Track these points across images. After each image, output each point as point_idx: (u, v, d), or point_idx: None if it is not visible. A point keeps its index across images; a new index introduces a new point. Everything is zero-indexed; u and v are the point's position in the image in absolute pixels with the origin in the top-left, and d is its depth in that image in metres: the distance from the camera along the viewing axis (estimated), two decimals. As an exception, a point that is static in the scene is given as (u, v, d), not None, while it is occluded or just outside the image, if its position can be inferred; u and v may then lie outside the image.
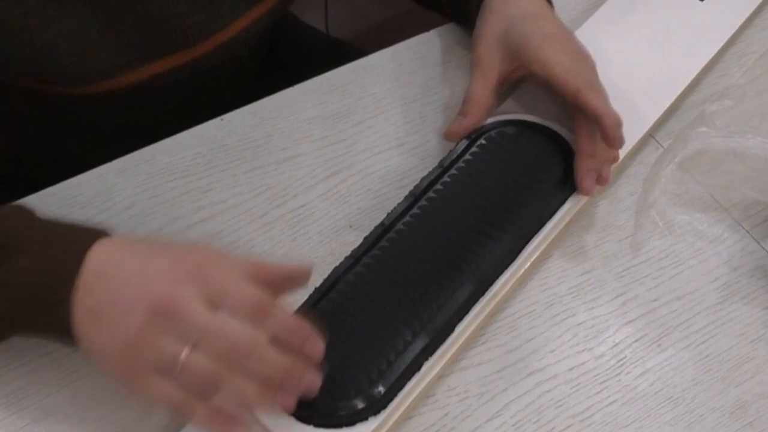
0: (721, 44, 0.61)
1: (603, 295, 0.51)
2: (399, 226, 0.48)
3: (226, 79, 0.59)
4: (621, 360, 0.49)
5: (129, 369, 0.38)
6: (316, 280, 0.45)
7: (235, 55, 0.56)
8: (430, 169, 0.51)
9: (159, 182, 0.53)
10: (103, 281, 0.38)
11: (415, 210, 0.48)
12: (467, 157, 0.51)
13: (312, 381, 0.39)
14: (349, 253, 0.47)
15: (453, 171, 0.50)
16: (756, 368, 0.49)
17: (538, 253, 0.49)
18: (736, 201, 0.55)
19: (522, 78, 0.55)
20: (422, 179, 0.51)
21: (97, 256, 0.39)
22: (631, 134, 0.55)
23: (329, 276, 0.46)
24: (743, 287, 0.52)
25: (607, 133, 0.49)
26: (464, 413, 0.46)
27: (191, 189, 0.53)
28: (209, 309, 0.37)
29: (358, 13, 1.22)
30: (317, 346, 0.39)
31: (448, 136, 0.52)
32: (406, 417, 0.45)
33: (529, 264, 0.49)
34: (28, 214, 0.42)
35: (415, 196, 0.49)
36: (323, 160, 0.55)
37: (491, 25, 0.53)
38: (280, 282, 0.40)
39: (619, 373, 0.48)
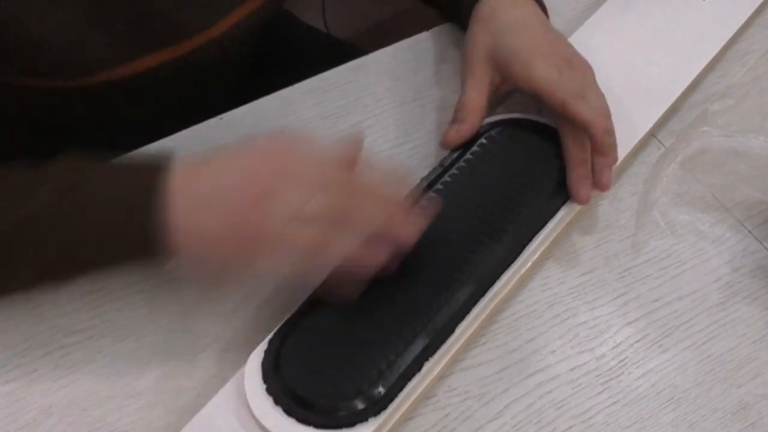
0: (722, 43, 0.61)
1: (604, 296, 0.51)
2: (399, 225, 0.47)
3: (218, 75, 0.59)
4: (622, 360, 0.48)
5: (259, 234, 0.39)
6: (316, 281, 0.45)
7: (227, 51, 0.56)
8: (431, 168, 0.51)
9: (158, 182, 0.52)
10: (200, 176, 0.40)
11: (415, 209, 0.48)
12: (468, 156, 0.51)
13: (416, 223, 0.43)
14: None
15: (453, 170, 0.50)
16: (758, 369, 0.49)
17: (539, 253, 0.49)
18: (738, 201, 0.55)
19: (512, 91, 0.55)
20: (422, 179, 0.50)
21: (178, 164, 0.40)
22: (633, 134, 0.55)
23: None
24: (745, 287, 0.52)
25: (596, 141, 0.49)
26: (465, 414, 0.46)
27: (190, 189, 0.52)
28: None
29: (357, 12, 1.22)
30: (409, 228, 0.43)
31: (445, 144, 0.52)
32: (407, 418, 0.45)
33: (529, 264, 0.48)
34: (83, 160, 0.42)
35: (415, 197, 0.49)
36: (323, 160, 0.54)
37: (479, 37, 0.53)
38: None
39: (621, 374, 0.48)
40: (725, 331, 0.50)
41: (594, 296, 0.51)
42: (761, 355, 0.49)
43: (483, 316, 0.46)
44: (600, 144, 0.49)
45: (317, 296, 0.45)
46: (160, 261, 0.40)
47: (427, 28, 0.62)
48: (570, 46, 0.53)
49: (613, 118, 0.51)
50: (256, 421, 0.41)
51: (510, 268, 0.47)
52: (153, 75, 0.53)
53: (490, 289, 0.46)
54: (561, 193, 0.50)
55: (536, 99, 0.50)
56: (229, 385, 0.43)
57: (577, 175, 0.50)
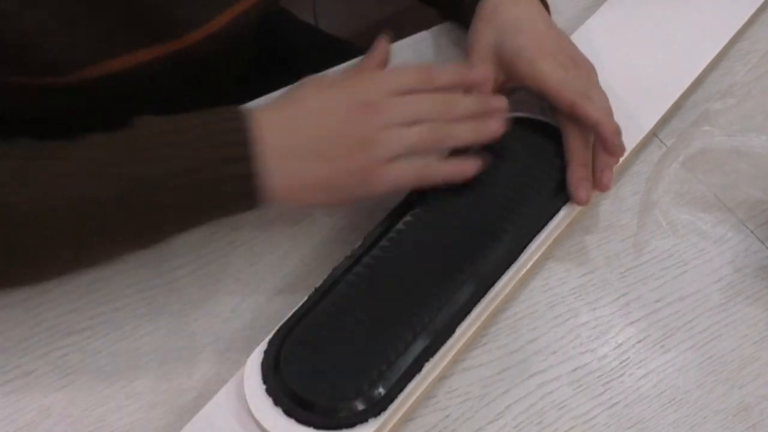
0: (724, 42, 0.60)
1: (605, 296, 0.50)
2: (400, 225, 0.47)
3: (215, 72, 0.59)
4: (624, 361, 0.48)
5: (369, 172, 0.43)
6: (316, 281, 0.45)
7: (224, 46, 0.56)
8: (431, 168, 0.51)
9: (157, 181, 0.52)
10: (294, 130, 0.43)
11: (416, 209, 0.48)
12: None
13: (500, 100, 0.48)
14: (349, 252, 0.47)
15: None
16: (760, 369, 0.48)
17: (540, 253, 0.49)
18: (740, 200, 0.55)
19: (516, 88, 0.54)
20: (423, 178, 0.50)
21: (263, 122, 0.42)
22: (634, 133, 0.55)
23: (329, 276, 0.45)
24: (747, 288, 0.51)
25: (607, 141, 0.48)
26: (465, 415, 0.46)
27: (190, 188, 0.52)
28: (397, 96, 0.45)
29: (357, 11, 1.22)
30: (479, 71, 0.49)
31: None
32: (407, 419, 0.45)
33: (530, 264, 0.48)
34: (156, 120, 0.43)
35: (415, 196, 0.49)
36: (323, 159, 0.54)
37: (482, 35, 0.53)
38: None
39: (622, 375, 0.48)
40: (727, 331, 0.50)
41: (595, 296, 0.50)
42: (763, 355, 0.49)
43: (484, 317, 0.46)
44: (611, 144, 0.48)
45: (317, 296, 0.45)
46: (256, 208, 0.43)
47: (426, 27, 0.61)
48: (573, 44, 0.53)
49: (615, 117, 0.51)
50: (256, 421, 0.41)
51: (511, 268, 0.47)
52: (149, 69, 0.53)
53: (491, 289, 0.46)
54: (562, 193, 0.50)
55: (543, 97, 0.50)
56: (229, 386, 0.43)
57: (578, 176, 0.49)
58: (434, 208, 0.48)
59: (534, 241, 0.48)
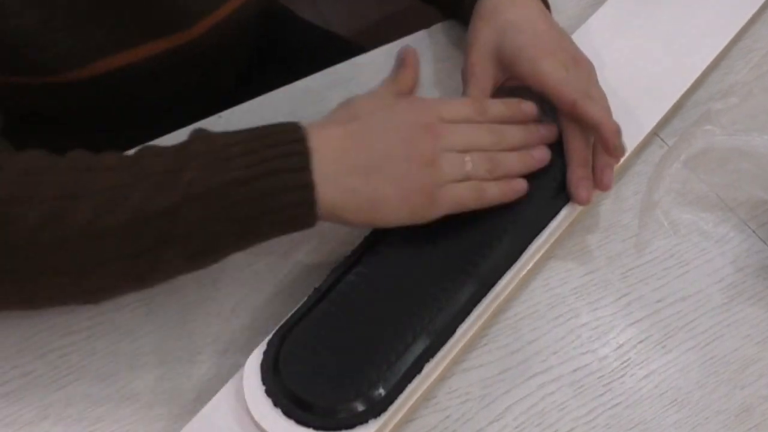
0: (726, 41, 0.60)
1: (607, 296, 0.50)
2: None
3: (218, 67, 0.59)
4: (625, 362, 0.48)
5: (428, 193, 0.43)
6: (316, 281, 0.45)
7: (228, 37, 0.56)
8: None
9: (156, 181, 0.52)
10: (351, 146, 0.42)
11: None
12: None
13: (549, 129, 0.49)
14: (349, 253, 0.46)
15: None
16: (762, 370, 0.48)
17: (541, 254, 0.48)
18: (742, 200, 0.54)
19: (516, 87, 0.54)
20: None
21: (319, 136, 0.42)
22: (636, 132, 0.54)
23: (329, 276, 0.45)
24: (749, 288, 0.51)
25: (607, 142, 0.48)
26: (466, 416, 0.45)
27: (189, 187, 0.52)
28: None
29: (357, 10, 1.22)
30: (529, 104, 0.49)
31: None
32: (407, 420, 0.44)
33: (531, 264, 0.48)
34: (214, 134, 0.42)
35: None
36: (323, 159, 0.54)
37: (482, 35, 0.52)
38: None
39: (623, 375, 0.47)
40: (729, 331, 0.49)
41: (596, 297, 0.50)
42: (765, 356, 0.49)
43: (484, 317, 0.46)
44: (611, 145, 0.48)
45: (317, 296, 0.44)
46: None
47: (427, 26, 0.61)
48: (573, 43, 0.53)
49: (616, 117, 0.50)
50: (255, 422, 0.41)
51: (512, 268, 0.47)
52: (157, 62, 0.53)
53: (492, 289, 0.46)
54: (563, 193, 0.50)
55: (544, 97, 0.50)
56: (228, 387, 0.43)
57: (578, 176, 0.49)
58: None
59: (535, 241, 0.48)
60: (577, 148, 0.49)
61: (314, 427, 0.41)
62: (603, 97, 0.51)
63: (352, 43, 0.76)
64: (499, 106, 0.48)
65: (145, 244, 0.39)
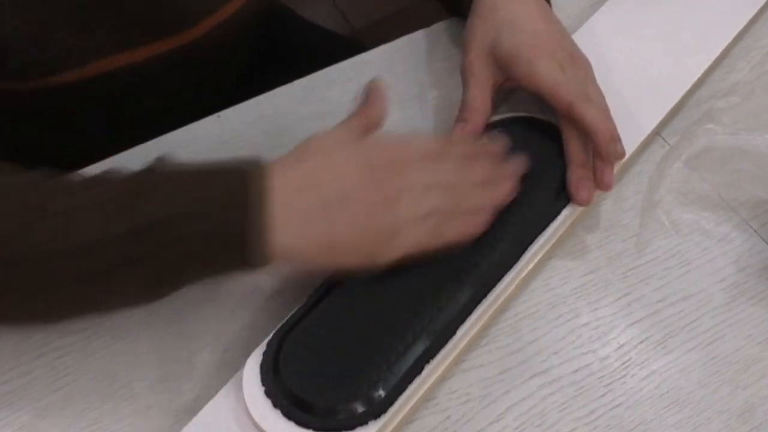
0: (728, 40, 0.60)
1: (607, 296, 0.50)
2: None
3: (219, 67, 0.59)
4: (626, 362, 0.48)
5: (387, 234, 0.41)
6: (316, 282, 0.45)
7: (231, 37, 0.56)
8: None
9: (155, 180, 0.52)
10: (309, 186, 0.41)
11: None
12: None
13: (516, 163, 0.47)
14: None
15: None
16: (764, 370, 0.48)
17: (541, 254, 0.48)
18: (743, 200, 0.54)
19: (516, 87, 0.54)
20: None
21: (276, 175, 0.40)
22: (637, 132, 0.54)
23: (329, 276, 0.45)
24: (751, 288, 0.51)
25: (600, 148, 0.48)
26: (466, 416, 0.45)
27: (188, 187, 0.52)
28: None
29: (359, 8, 1.22)
30: (496, 144, 0.47)
31: None
32: (407, 420, 0.44)
33: (532, 265, 0.48)
34: (177, 164, 0.41)
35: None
36: (322, 158, 0.54)
37: (479, 33, 0.52)
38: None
39: (624, 376, 0.47)
40: (731, 332, 0.49)
41: (597, 297, 0.50)
42: (767, 356, 0.48)
43: (485, 318, 0.46)
44: (604, 152, 0.48)
45: (317, 297, 0.44)
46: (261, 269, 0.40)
47: (427, 24, 0.61)
48: (572, 40, 0.53)
49: (618, 116, 0.50)
50: (255, 423, 0.41)
51: (512, 268, 0.46)
52: (159, 63, 0.53)
53: (492, 290, 0.46)
54: (564, 193, 0.49)
55: (541, 98, 0.50)
56: (227, 388, 0.43)
57: (578, 176, 0.49)
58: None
59: (536, 241, 0.47)
60: (576, 148, 0.49)
61: (314, 428, 0.40)
62: (600, 96, 0.50)
63: (352, 41, 0.76)
64: (466, 145, 0.47)
65: (98, 269, 0.38)
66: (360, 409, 0.41)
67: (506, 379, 0.46)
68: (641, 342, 0.49)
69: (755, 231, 0.53)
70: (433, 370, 0.43)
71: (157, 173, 0.40)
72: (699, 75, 0.58)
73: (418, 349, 0.43)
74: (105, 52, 0.50)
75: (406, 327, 0.43)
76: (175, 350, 0.46)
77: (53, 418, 0.44)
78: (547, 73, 0.48)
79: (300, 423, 0.40)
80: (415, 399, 0.43)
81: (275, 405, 0.41)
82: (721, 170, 0.55)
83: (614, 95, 0.51)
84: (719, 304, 0.50)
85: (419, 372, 0.43)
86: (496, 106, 0.54)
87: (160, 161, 0.41)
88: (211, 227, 0.38)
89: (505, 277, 0.46)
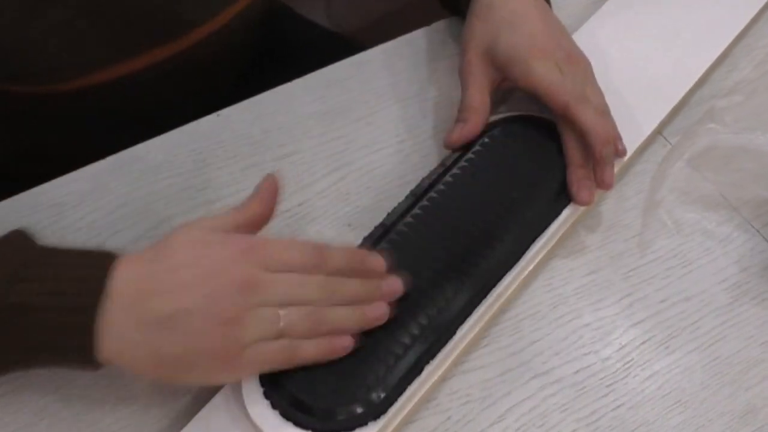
0: (731, 39, 0.60)
1: (609, 296, 0.50)
2: (400, 226, 0.46)
3: (218, 70, 0.58)
4: (628, 363, 0.47)
5: (226, 356, 0.38)
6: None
7: (225, 45, 0.56)
8: (432, 167, 0.50)
9: (154, 179, 0.52)
10: (150, 293, 0.38)
11: (416, 210, 0.47)
12: (470, 155, 0.50)
13: (391, 284, 0.42)
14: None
15: (455, 170, 0.49)
16: (766, 371, 0.48)
17: (543, 254, 0.48)
18: (746, 199, 0.54)
19: (514, 88, 0.53)
20: (424, 178, 0.49)
21: (122, 274, 0.38)
22: (639, 132, 0.54)
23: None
24: (753, 288, 0.51)
25: (595, 150, 0.47)
26: (466, 417, 0.45)
27: (187, 186, 0.51)
28: (277, 273, 0.39)
29: (358, 8, 1.21)
30: (377, 259, 0.42)
31: (449, 145, 0.51)
32: (407, 421, 0.44)
33: (533, 265, 0.47)
34: (30, 242, 0.40)
35: (416, 196, 0.48)
36: (322, 157, 0.53)
37: (478, 33, 0.51)
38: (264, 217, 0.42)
39: (626, 376, 0.47)
40: (733, 332, 0.49)
41: (599, 297, 0.50)
42: (770, 357, 0.48)
43: (485, 318, 0.45)
44: (598, 154, 0.47)
45: None
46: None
47: (428, 23, 0.61)
48: (570, 38, 0.52)
49: (619, 116, 0.50)
50: (254, 424, 0.41)
51: (513, 268, 0.46)
52: (152, 72, 0.52)
53: (493, 290, 0.45)
54: (565, 193, 0.49)
55: (537, 99, 0.49)
56: (226, 388, 0.42)
57: (578, 176, 0.48)
58: (435, 209, 0.47)
59: (537, 241, 0.47)
60: (575, 149, 0.49)
61: (313, 430, 0.40)
62: (600, 96, 0.50)
63: (352, 40, 0.76)
64: (341, 257, 0.41)
65: None
66: (359, 409, 0.41)
67: (507, 380, 0.46)
68: (643, 342, 0.48)
69: (757, 231, 0.53)
70: (433, 371, 0.43)
71: (6, 249, 0.38)
72: (701, 74, 0.58)
73: (418, 349, 0.43)
74: (99, 64, 0.50)
75: (406, 327, 0.43)
76: (173, 351, 0.46)
77: (52, 418, 0.43)
78: (543, 74, 0.48)
79: (299, 424, 0.40)
80: (415, 400, 0.43)
81: (274, 406, 0.41)
82: (724, 170, 0.55)
83: (615, 94, 0.51)
84: (721, 304, 0.50)
85: (419, 373, 0.42)
86: (495, 107, 0.53)
87: (15, 235, 0.39)
88: (37, 325, 0.37)
89: (505, 277, 0.46)
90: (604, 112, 0.50)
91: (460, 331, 0.44)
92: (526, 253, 0.47)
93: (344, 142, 0.54)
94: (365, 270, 0.42)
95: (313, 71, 0.57)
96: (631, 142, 0.52)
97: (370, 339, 0.42)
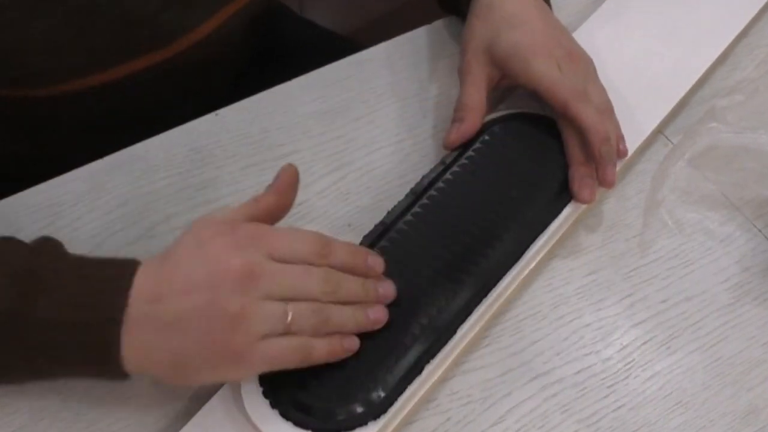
0: (732, 38, 0.59)
1: (610, 296, 0.49)
2: (399, 225, 0.46)
3: (209, 76, 0.58)
4: (629, 363, 0.47)
5: (237, 352, 0.38)
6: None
7: (215, 52, 0.55)
8: (432, 166, 0.50)
9: (153, 179, 0.51)
10: (160, 296, 0.38)
11: (416, 209, 0.47)
12: (470, 153, 0.50)
13: (387, 288, 0.42)
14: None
15: (455, 168, 0.49)
16: (768, 372, 0.48)
17: (543, 253, 0.48)
18: (747, 199, 0.54)
19: (513, 86, 0.53)
20: (424, 177, 0.49)
21: (139, 280, 0.38)
22: (640, 131, 0.54)
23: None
24: (755, 288, 0.50)
25: (594, 148, 0.47)
26: (467, 418, 0.45)
27: (186, 186, 0.51)
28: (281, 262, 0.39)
29: (358, 6, 1.21)
30: (378, 259, 0.42)
31: (447, 145, 0.51)
32: (407, 422, 0.44)
33: (534, 264, 0.47)
34: (59, 249, 0.40)
35: (416, 195, 0.48)
36: (321, 157, 0.53)
37: (477, 32, 0.51)
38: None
39: (627, 377, 0.47)
40: (734, 332, 0.49)
41: (600, 297, 0.49)
42: (771, 357, 0.48)
43: (486, 318, 0.45)
44: (597, 153, 0.47)
45: None
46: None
47: (428, 22, 0.60)
48: (571, 38, 0.52)
49: (620, 115, 0.50)
50: (253, 425, 0.41)
51: (513, 268, 0.46)
52: (139, 78, 0.52)
53: (493, 290, 0.45)
54: (566, 191, 0.49)
55: (538, 97, 0.49)
56: (226, 388, 0.42)
57: (580, 174, 0.48)
58: (435, 207, 0.47)
59: (537, 240, 0.47)
60: (576, 147, 0.49)
61: (313, 429, 0.40)
62: (602, 94, 0.50)
63: (351, 40, 0.76)
64: (345, 252, 0.41)
65: None
66: (359, 409, 0.40)
67: (508, 381, 0.46)
68: (644, 343, 0.48)
69: (759, 230, 0.53)
70: (433, 371, 0.43)
71: (41, 258, 0.39)
72: (701, 73, 0.57)
73: (419, 349, 0.42)
74: (99, 66, 0.50)
75: (406, 327, 0.43)
76: (172, 351, 0.46)
77: (51, 419, 0.43)
78: (543, 71, 0.48)
79: (298, 424, 0.40)
80: (415, 400, 0.43)
81: (274, 406, 0.40)
82: (725, 169, 0.54)
83: (616, 93, 0.51)
84: (723, 304, 0.50)
85: (419, 373, 0.42)
86: (494, 105, 0.53)
87: (44, 243, 0.40)
88: (58, 339, 0.37)
89: (505, 276, 0.46)
90: (606, 110, 0.49)
91: (461, 331, 0.44)
92: (527, 252, 0.47)
93: (344, 142, 0.54)
94: (365, 268, 0.42)
95: (312, 70, 0.57)
96: (632, 142, 0.52)
97: (370, 339, 0.42)
